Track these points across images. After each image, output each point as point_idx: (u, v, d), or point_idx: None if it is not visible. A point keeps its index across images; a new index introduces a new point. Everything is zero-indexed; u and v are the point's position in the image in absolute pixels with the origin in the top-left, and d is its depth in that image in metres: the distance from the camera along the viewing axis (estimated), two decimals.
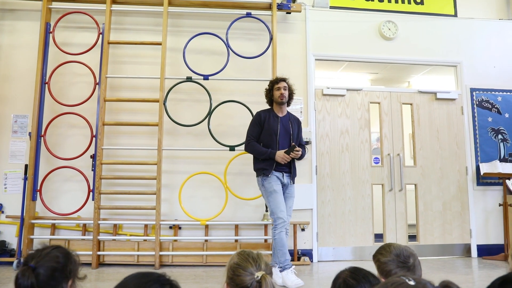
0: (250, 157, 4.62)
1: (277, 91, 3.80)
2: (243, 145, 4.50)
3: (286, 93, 3.80)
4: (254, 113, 4.50)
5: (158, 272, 1.16)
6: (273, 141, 3.72)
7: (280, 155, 3.62)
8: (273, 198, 3.60)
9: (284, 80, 3.84)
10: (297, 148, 3.63)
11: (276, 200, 3.59)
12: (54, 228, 4.49)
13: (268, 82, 4.01)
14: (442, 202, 5.17)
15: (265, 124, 3.76)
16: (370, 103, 5.24)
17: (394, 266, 1.61)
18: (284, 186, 3.72)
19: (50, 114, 4.58)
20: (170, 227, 4.63)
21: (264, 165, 3.69)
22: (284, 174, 3.72)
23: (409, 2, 5.55)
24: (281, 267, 3.48)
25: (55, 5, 4.77)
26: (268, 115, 3.80)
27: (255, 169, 3.81)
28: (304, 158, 4.83)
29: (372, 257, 1.73)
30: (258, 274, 1.36)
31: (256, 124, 3.81)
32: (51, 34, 4.60)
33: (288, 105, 3.91)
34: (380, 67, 5.82)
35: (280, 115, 3.83)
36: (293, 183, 3.80)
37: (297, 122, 3.92)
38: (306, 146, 4.88)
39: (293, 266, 3.56)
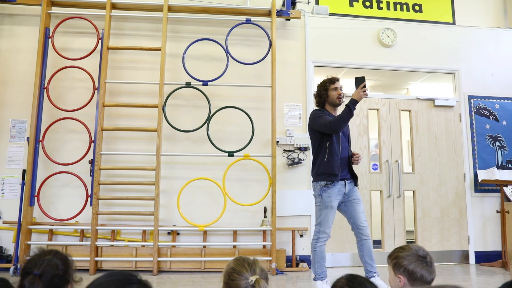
0: (248, 163, 4.67)
1: (334, 91, 3.49)
2: (241, 151, 4.54)
3: (343, 94, 3.52)
4: (252, 119, 4.55)
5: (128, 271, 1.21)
6: (337, 141, 3.42)
7: (355, 93, 3.30)
8: (326, 213, 3.38)
9: (338, 80, 3.55)
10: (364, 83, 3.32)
11: (328, 216, 3.37)
12: (51, 233, 4.48)
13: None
14: (440, 209, 5.18)
15: None
16: (369, 109, 5.26)
17: (414, 259, 1.71)
18: (345, 195, 3.46)
19: (49, 119, 4.58)
20: (169, 233, 4.62)
21: (332, 170, 3.33)
22: (346, 181, 3.45)
23: (408, 10, 5.60)
24: (316, 277, 3.40)
25: (54, 10, 4.78)
26: (328, 114, 3.51)
27: (317, 174, 3.42)
28: (302, 164, 4.89)
29: (387, 257, 1.83)
30: (252, 278, 1.39)
31: (325, 114, 3.47)
32: (50, 39, 4.61)
33: None
34: (378, 74, 5.85)
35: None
36: (357, 185, 3.54)
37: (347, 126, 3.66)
38: (305, 152, 4.91)
39: (329, 278, 3.40)
